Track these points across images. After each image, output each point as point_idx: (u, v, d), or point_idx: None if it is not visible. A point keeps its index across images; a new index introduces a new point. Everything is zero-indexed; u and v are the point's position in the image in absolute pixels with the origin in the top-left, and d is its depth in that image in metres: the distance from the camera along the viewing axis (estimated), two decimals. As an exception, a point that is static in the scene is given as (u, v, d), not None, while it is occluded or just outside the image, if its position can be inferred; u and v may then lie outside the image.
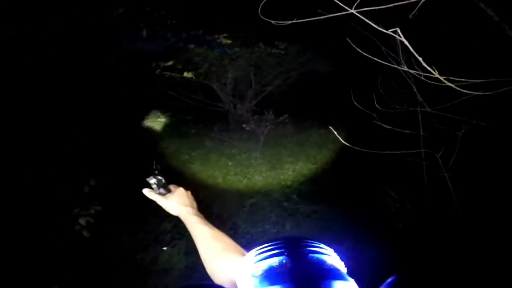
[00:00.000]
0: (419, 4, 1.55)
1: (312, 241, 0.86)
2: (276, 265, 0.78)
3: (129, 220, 4.08)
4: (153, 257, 3.72)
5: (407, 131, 2.65)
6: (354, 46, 2.33)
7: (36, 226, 3.44)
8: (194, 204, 1.34)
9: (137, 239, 3.92)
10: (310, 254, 0.80)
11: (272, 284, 0.74)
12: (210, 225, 1.25)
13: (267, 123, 7.39)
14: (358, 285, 0.79)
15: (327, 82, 8.14)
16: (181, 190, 1.36)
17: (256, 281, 0.77)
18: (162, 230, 4.07)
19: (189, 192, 1.37)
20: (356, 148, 2.54)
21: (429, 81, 1.68)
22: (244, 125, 7.59)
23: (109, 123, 5.71)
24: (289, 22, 1.77)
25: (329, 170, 6.72)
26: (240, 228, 4.32)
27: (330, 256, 0.83)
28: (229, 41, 5.94)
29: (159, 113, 7.76)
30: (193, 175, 5.72)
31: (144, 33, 5.27)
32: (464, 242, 3.20)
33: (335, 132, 2.52)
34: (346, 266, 0.83)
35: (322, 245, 0.85)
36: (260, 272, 0.78)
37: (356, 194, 5.35)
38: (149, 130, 6.67)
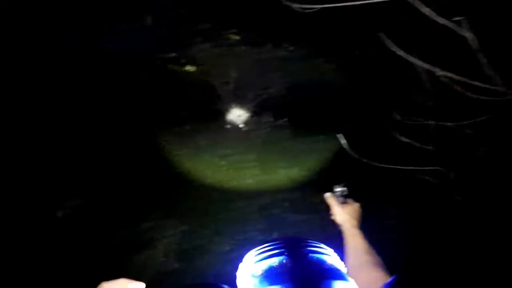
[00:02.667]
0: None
1: (312, 241, 0.86)
2: (276, 265, 0.78)
3: (106, 215, 3.84)
4: (128, 257, 3.49)
5: (418, 145, 2.46)
6: (390, 44, 2.05)
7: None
8: (360, 221, 1.47)
9: (112, 236, 3.67)
10: (310, 254, 0.81)
11: (272, 284, 0.74)
12: (366, 241, 1.38)
13: (266, 126, 7.22)
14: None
15: (334, 88, 7.95)
16: (357, 205, 1.52)
17: (256, 281, 0.77)
18: (142, 229, 3.85)
19: (361, 210, 1.51)
20: (358, 158, 2.37)
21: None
22: (241, 126, 7.41)
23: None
24: (317, 6, 1.62)
25: (324, 179, 6.53)
26: (223, 232, 4.12)
27: (330, 256, 0.83)
28: (237, 38, 5.73)
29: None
30: (182, 173, 5.51)
31: (149, 21, 5.03)
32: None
33: (343, 141, 2.36)
34: (346, 266, 0.84)
35: (322, 245, 0.86)
36: (260, 272, 0.78)
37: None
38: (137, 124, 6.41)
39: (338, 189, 1.52)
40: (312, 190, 6.16)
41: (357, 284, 1.14)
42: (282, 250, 0.82)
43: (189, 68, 6.76)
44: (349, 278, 0.79)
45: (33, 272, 3.11)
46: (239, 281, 0.84)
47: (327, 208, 1.51)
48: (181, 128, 7.15)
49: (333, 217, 1.50)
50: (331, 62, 6.52)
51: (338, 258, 0.85)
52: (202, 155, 6.64)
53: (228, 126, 7.79)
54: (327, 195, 1.53)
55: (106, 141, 5.15)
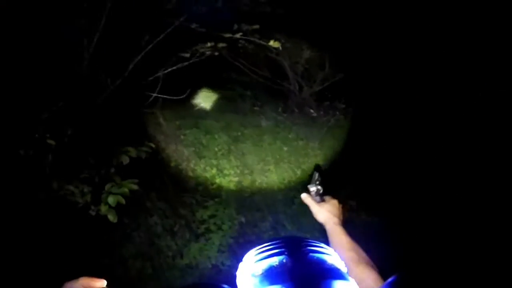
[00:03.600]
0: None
1: (312, 241, 0.86)
2: (276, 265, 0.78)
3: (162, 200, 3.56)
4: (180, 247, 3.20)
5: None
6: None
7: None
8: (341, 217, 1.43)
9: (166, 223, 3.39)
10: (311, 254, 0.80)
11: (272, 283, 0.74)
12: (350, 237, 1.34)
13: (335, 112, 6.69)
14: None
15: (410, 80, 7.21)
16: (335, 201, 1.46)
17: (256, 280, 0.77)
18: (198, 218, 3.53)
19: (340, 205, 1.46)
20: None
21: None
22: (311, 110, 6.94)
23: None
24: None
25: (394, 179, 5.91)
26: (284, 229, 3.72)
27: (331, 256, 0.82)
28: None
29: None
30: (242, 156, 5.15)
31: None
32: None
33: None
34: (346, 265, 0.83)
35: (322, 245, 0.86)
36: (260, 272, 0.77)
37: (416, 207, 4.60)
38: (201, 100, 6.12)
39: (313, 188, 1.47)
40: (378, 188, 5.57)
41: None
42: (282, 249, 0.81)
43: (273, 42, 6.34)
44: (349, 278, 0.78)
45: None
46: (239, 281, 0.82)
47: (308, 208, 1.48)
48: (244, 107, 6.80)
49: (315, 217, 1.47)
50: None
51: (338, 257, 0.84)
52: (263, 137, 6.27)
53: (292, 109, 7.32)
54: (303, 196, 1.50)
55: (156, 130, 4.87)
